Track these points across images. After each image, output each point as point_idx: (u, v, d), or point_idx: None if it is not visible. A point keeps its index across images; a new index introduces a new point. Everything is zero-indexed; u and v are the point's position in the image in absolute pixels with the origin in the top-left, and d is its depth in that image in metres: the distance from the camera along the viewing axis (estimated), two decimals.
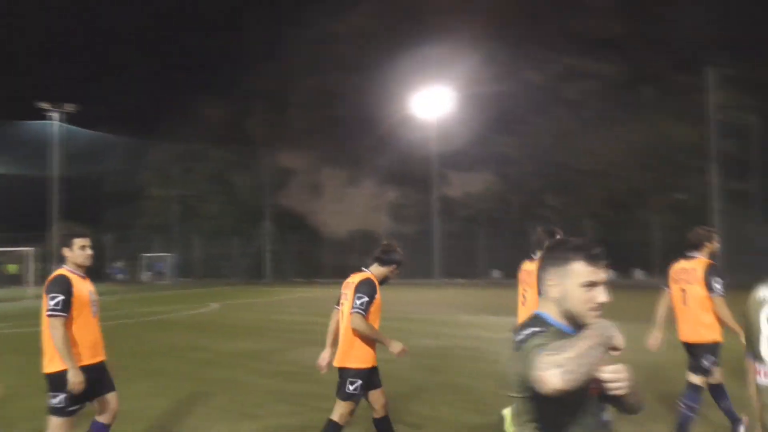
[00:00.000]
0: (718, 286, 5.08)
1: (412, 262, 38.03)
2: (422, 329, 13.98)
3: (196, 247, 44.11)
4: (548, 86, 33.67)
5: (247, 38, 48.95)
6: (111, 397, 4.49)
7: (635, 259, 28.87)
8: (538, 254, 5.35)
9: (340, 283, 4.99)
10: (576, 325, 2.04)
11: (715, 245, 5.31)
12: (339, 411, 4.63)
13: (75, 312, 4.26)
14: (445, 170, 37.56)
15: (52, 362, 4.24)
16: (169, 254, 44.57)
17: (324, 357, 4.95)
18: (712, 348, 5.15)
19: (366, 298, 4.58)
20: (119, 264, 45.41)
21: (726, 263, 26.87)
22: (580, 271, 2.03)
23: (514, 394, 2.01)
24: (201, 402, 7.38)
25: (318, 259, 40.86)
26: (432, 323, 15.38)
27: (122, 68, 71.77)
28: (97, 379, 4.38)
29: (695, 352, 5.24)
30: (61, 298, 4.19)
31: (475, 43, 33.22)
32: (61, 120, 33.14)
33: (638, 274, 29.80)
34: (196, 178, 48.04)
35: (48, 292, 4.23)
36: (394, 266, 4.88)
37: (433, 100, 34.14)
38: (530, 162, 33.57)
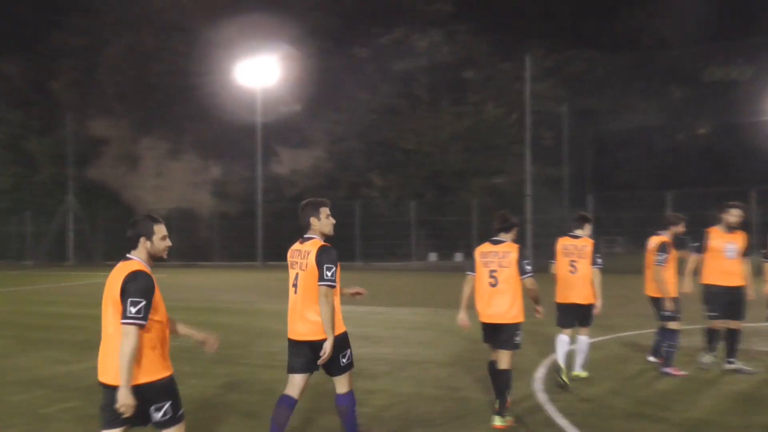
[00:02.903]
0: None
1: (236, 244, 36.00)
2: (203, 319, 12.24)
3: None
4: (376, 62, 33.02)
5: None
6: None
7: (455, 241, 29.38)
8: (584, 230, 6.87)
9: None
10: None
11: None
12: (507, 359, 5.36)
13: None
14: (274, 146, 35.65)
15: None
16: None
17: (463, 318, 5.61)
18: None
19: (529, 262, 5.39)
20: None
21: (533, 245, 28.36)
22: None
23: None
24: None
25: None
26: (222, 312, 13.70)
27: None
28: None
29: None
30: (335, 269, 4.37)
31: (303, 14, 31.54)
32: None
33: (458, 257, 30.37)
34: None
35: (325, 262, 4.32)
36: (516, 229, 5.58)
37: (258, 70, 31.92)
38: (358, 139, 32.82)
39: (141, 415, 3.47)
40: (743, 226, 7.24)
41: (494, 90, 34.03)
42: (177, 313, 4.34)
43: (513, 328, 5.35)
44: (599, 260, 6.65)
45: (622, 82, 40.57)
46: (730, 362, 7.09)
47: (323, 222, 4.50)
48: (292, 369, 4.50)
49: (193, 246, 35.22)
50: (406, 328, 11.09)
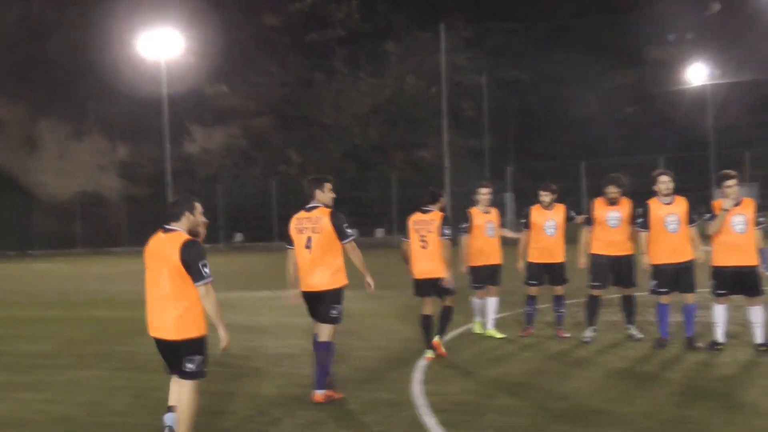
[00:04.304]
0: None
1: (146, 229, 33.93)
2: (89, 314, 11.06)
3: None
4: (288, 32, 31.50)
5: None
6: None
7: (376, 217, 28.69)
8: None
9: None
10: None
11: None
12: (449, 300, 6.71)
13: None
14: (186, 124, 33.74)
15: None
16: None
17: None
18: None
19: (449, 227, 6.52)
20: None
21: (453, 217, 28.16)
22: None
23: None
24: None
25: (32, 227, 34.33)
26: (115, 305, 12.50)
27: None
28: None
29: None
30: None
31: None
32: None
33: (379, 233, 29.68)
34: None
35: (342, 223, 5.37)
36: (442, 200, 6.72)
37: (162, 43, 29.75)
38: (273, 115, 31.39)
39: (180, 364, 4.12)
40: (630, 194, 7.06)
41: (414, 62, 33.28)
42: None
43: (444, 279, 6.41)
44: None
45: (542, 53, 40.69)
46: (627, 327, 7.28)
47: (326, 194, 5.39)
48: (314, 317, 5.42)
49: (101, 232, 33.08)
50: (298, 315, 10.14)
